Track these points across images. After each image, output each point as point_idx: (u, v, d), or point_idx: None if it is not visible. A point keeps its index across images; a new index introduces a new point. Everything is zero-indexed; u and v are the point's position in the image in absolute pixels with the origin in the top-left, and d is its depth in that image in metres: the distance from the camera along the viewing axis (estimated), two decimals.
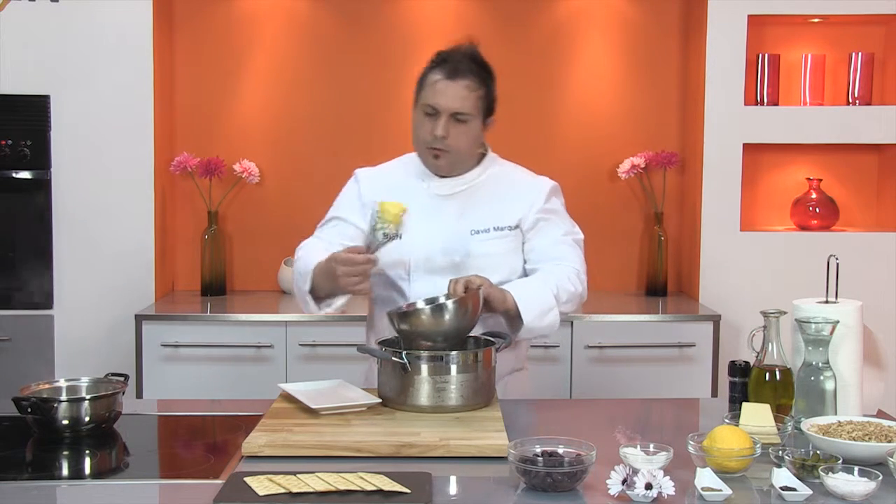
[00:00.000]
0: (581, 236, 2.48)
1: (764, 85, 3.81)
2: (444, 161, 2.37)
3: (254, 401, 2.30)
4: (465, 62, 2.35)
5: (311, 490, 1.61)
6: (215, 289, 3.89)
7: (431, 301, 2.24)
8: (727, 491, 1.63)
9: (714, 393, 3.45)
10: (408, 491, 1.62)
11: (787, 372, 2.05)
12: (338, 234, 2.45)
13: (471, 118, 2.34)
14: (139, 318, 3.47)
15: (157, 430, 2.15)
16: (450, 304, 2.14)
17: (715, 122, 3.74)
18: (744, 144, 3.75)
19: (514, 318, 2.28)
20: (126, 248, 3.69)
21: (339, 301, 2.35)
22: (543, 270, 2.38)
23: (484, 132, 2.42)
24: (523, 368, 2.56)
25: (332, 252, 2.25)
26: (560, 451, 1.73)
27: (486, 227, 2.39)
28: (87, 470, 1.92)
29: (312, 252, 2.38)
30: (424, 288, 2.34)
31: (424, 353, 2.13)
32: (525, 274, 2.42)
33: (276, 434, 1.93)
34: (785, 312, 2.08)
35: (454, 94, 2.32)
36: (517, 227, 2.41)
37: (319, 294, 2.34)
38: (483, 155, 2.46)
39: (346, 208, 2.49)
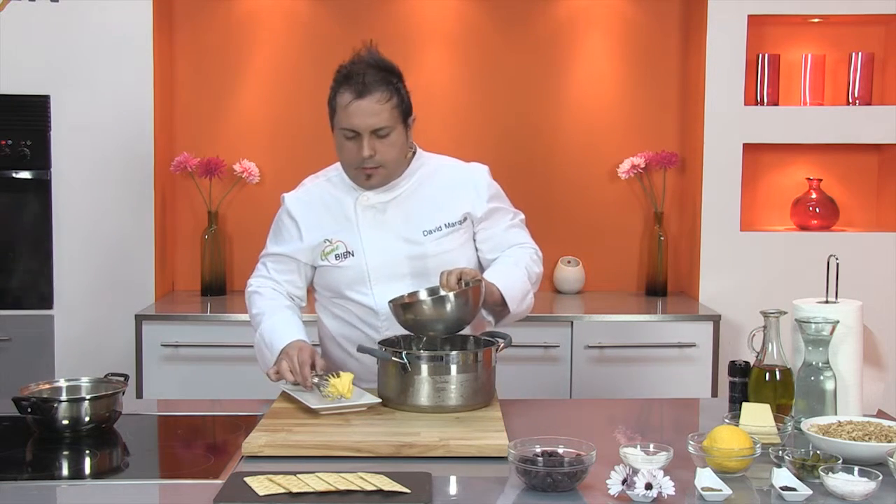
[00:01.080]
0: (523, 216, 2.52)
1: (764, 85, 3.81)
2: (377, 178, 2.33)
3: (254, 401, 2.30)
4: (369, 74, 2.27)
5: (311, 490, 1.62)
6: (215, 289, 3.89)
7: (434, 292, 2.24)
8: (727, 491, 1.63)
9: (714, 393, 3.45)
10: (408, 491, 1.63)
11: (787, 372, 2.05)
12: (283, 274, 2.45)
13: (392, 129, 2.29)
14: (139, 318, 3.47)
15: (157, 430, 2.15)
16: (451, 295, 2.14)
17: (715, 122, 3.74)
18: (744, 144, 3.75)
19: (497, 306, 2.30)
20: (126, 248, 3.69)
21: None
22: (510, 255, 2.41)
23: (409, 133, 2.37)
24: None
25: (291, 346, 2.25)
26: (560, 451, 1.73)
27: (437, 225, 2.37)
28: (87, 470, 1.92)
29: (276, 317, 2.38)
30: (389, 297, 2.30)
31: (424, 353, 2.14)
32: (480, 264, 2.44)
33: (276, 434, 1.93)
34: (785, 312, 2.08)
35: (368, 111, 2.25)
36: (466, 220, 2.40)
37: None
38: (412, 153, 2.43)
39: (286, 243, 2.44)
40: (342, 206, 2.40)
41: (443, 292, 2.18)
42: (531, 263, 2.42)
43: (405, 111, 2.33)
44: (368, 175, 2.32)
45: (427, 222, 2.37)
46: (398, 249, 2.35)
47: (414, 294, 2.28)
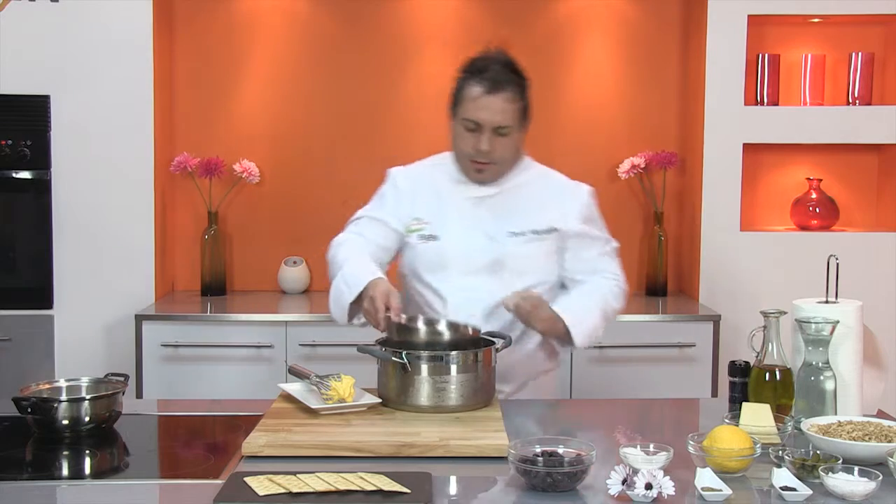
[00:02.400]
0: (616, 244, 2.50)
1: (764, 85, 3.81)
2: (488, 174, 2.36)
3: (254, 401, 2.30)
4: (503, 73, 2.31)
5: (311, 490, 1.61)
6: (215, 289, 3.89)
7: (454, 328, 2.22)
8: (727, 491, 1.63)
9: (714, 393, 3.45)
10: (408, 491, 1.62)
11: (787, 372, 2.05)
12: (374, 234, 2.43)
13: (512, 129, 2.32)
14: (139, 318, 3.47)
15: (157, 430, 2.15)
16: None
17: (715, 122, 3.74)
18: (744, 144, 3.75)
19: (563, 335, 2.31)
20: (126, 248, 3.69)
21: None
22: (592, 286, 2.40)
23: (523, 138, 2.40)
24: (555, 368, 2.59)
25: (375, 281, 2.21)
26: (560, 451, 1.73)
27: (523, 229, 2.38)
28: (87, 470, 1.92)
29: (358, 258, 2.33)
30: (460, 288, 2.35)
31: (424, 353, 2.13)
32: (560, 281, 2.44)
33: (276, 434, 1.93)
34: (785, 312, 2.08)
35: (496, 108, 2.29)
36: (555, 230, 2.40)
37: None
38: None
39: (382, 209, 2.46)
40: (440, 191, 2.42)
41: (462, 321, 2.21)
42: (611, 299, 2.41)
43: (527, 116, 2.36)
44: (480, 169, 2.35)
45: (515, 224, 2.38)
46: (480, 244, 2.37)
47: (413, 318, 2.23)
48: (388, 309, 2.15)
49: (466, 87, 2.32)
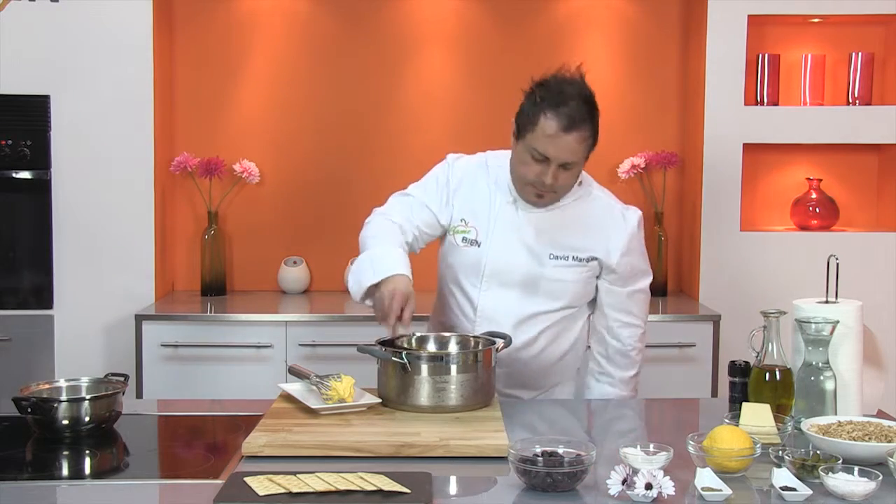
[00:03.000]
0: (650, 278, 2.53)
1: (764, 85, 3.81)
2: (546, 200, 2.35)
3: (254, 401, 2.30)
4: (580, 108, 2.25)
5: (311, 490, 1.61)
6: (215, 289, 3.89)
7: (463, 343, 2.26)
8: (727, 491, 1.63)
9: (714, 393, 3.45)
10: (408, 491, 1.62)
11: (787, 372, 2.05)
12: (419, 218, 2.41)
13: (578, 164, 2.31)
14: (139, 318, 3.47)
15: (157, 430, 2.15)
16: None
17: (715, 122, 3.74)
18: (744, 144, 3.75)
19: None
20: (126, 248, 3.69)
21: None
22: (613, 378, 2.52)
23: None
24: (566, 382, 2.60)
25: (400, 277, 2.20)
26: (560, 451, 1.73)
27: (566, 254, 2.38)
28: (87, 470, 1.92)
29: (392, 241, 2.31)
30: (492, 298, 2.37)
31: (424, 353, 2.13)
32: (594, 301, 2.48)
33: (276, 434, 1.93)
34: (785, 312, 2.08)
35: (569, 147, 2.25)
36: (595, 259, 2.40)
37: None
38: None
39: (432, 198, 2.43)
40: (492, 198, 2.40)
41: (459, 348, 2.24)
42: (633, 371, 2.56)
43: (594, 147, 2.33)
44: (540, 195, 2.33)
45: (558, 248, 2.37)
46: (520, 260, 2.37)
47: (402, 338, 2.25)
48: (400, 315, 2.16)
49: (542, 119, 2.24)
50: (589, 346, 2.54)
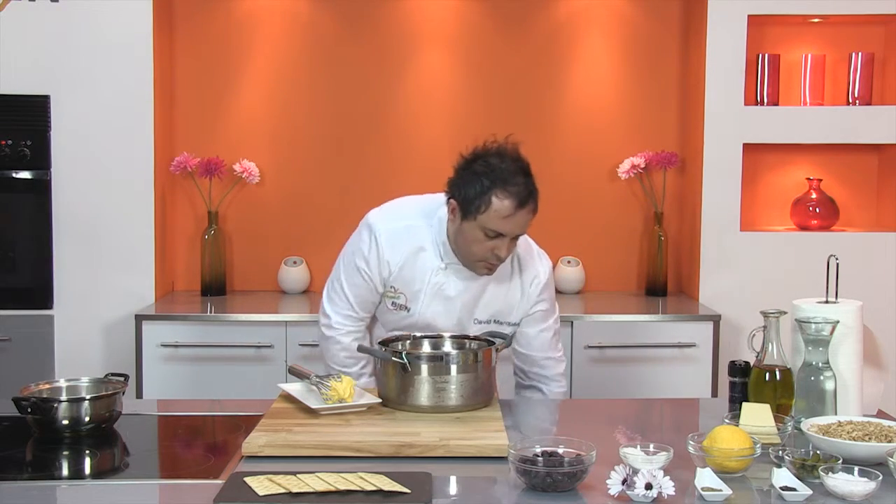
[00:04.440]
0: (558, 314, 2.60)
1: (764, 85, 3.81)
2: (494, 270, 2.40)
3: (254, 401, 2.30)
4: (527, 183, 2.28)
5: (311, 490, 1.62)
6: (215, 289, 3.88)
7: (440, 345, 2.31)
8: (727, 491, 1.63)
9: (714, 393, 3.45)
10: (408, 491, 1.63)
11: (787, 372, 2.05)
12: (369, 301, 2.50)
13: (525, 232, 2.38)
14: (139, 318, 3.47)
15: (157, 430, 2.15)
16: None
17: (715, 122, 3.74)
18: (744, 144, 3.75)
19: None
20: (126, 248, 3.69)
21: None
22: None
23: None
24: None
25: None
26: (560, 451, 1.73)
27: (488, 318, 2.47)
28: (87, 470, 1.92)
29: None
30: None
31: (424, 353, 2.13)
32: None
33: (276, 434, 1.93)
34: (785, 312, 2.08)
35: (522, 221, 2.31)
36: (516, 325, 2.50)
37: None
38: None
39: (370, 270, 2.46)
40: (421, 266, 2.44)
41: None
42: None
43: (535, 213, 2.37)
44: (490, 268, 2.38)
45: (481, 313, 2.47)
46: (446, 325, 2.44)
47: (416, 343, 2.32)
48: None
49: (494, 200, 2.26)
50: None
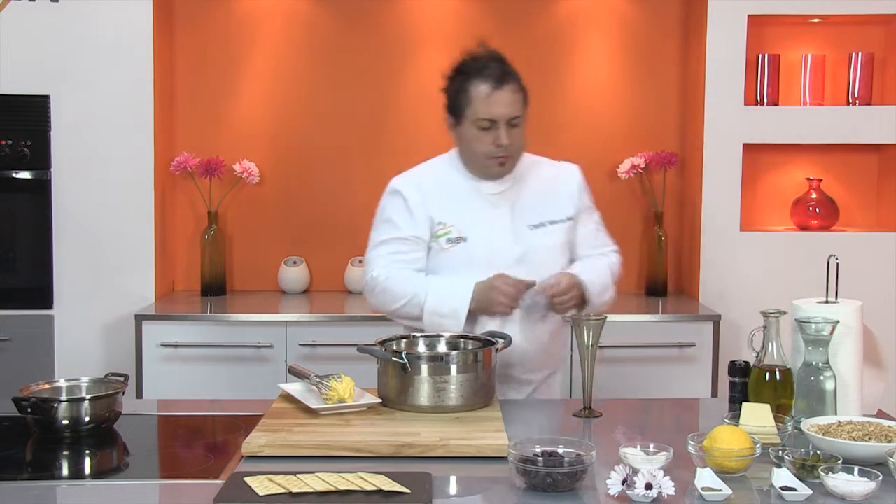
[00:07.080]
0: (599, 214, 2.62)
1: (764, 85, 3.81)
2: (508, 165, 2.41)
3: (254, 401, 2.30)
4: (502, 67, 2.37)
5: (311, 490, 1.62)
6: (215, 289, 3.88)
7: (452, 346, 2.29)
8: (727, 491, 1.63)
9: (714, 393, 3.45)
10: (408, 491, 1.63)
11: (787, 372, 2.05)
12: (412, 252, 2.44)
13: (521, 119, 2.38)
14: (139, 318, 3.47)
15: (157, 430, 2.16)
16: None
17: (715, 122, 3.74)
18: (744, 144, 3.75)
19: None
20: (126, 248, 3.69)
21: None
22: (601, 257, 2.53)
23: None
24: (558, 371, 2.64)
25: (493, 281, 2.31)
26: (560, 451, 1.73)
27: (542, 220, 2.45)
28: (87, 470, 1.92)
29: (437, 284, 2.39)
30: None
31: (424, 354, 2.13)
32: (572, 261, 2.52)
33: (276, 434, 1.93)
34: (785, 312, 2.08)
35: (507, 100, 2.34)
36: (570, 219, 2.49)
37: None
38: None
39: (401, 224, 2.43)
40: (455, 191, 2.44)
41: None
42: (616, 265, 2.57)
43: (527, 103, 2.41)
44: (502, 162, 2.38)
45: (532, 217, 2.44)
46: (506, 242, 2.41)
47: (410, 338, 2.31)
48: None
49: (472, 88, 2.34)
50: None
